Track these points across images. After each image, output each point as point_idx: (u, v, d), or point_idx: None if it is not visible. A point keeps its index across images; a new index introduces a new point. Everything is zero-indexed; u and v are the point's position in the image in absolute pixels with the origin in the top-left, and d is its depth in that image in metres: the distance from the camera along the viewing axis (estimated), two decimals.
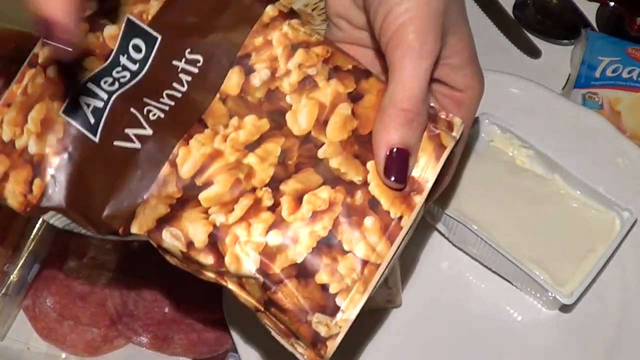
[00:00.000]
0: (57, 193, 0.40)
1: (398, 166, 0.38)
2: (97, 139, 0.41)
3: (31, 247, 0.60)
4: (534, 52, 0.73)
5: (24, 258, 0.60)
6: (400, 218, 0.39)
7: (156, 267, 0.61)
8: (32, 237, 0.60)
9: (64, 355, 0.60)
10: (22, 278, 0.60)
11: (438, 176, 0.40)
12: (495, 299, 0.59)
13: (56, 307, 0.60)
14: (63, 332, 0.60)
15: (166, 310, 0.60)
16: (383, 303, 0.57)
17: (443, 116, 0.40)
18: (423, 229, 0.61)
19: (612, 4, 0.75)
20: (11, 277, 0.59)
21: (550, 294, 0.55)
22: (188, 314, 0.60)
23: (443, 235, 0.60)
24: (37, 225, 0.60)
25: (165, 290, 0.61)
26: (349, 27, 0.45)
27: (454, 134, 0.40)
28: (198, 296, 0.60)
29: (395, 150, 0.38)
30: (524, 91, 0.64)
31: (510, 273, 0.58)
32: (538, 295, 0.57)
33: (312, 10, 0.71)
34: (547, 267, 0.56)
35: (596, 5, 0.75)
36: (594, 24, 0.74)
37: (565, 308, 0.58)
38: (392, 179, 0.38)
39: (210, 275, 0.40)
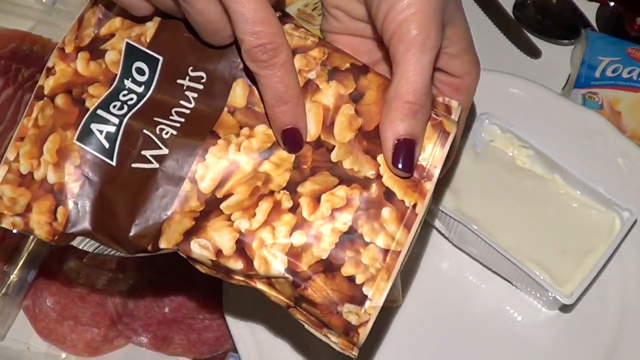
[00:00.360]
0: (81, 218, 0.42)
1: (405, 155, 0.40)
2: (114, 163, 0.42)
3: (31, 247, 0.60)
4: (534, 52, 0.73)
5: (24, 258, 0.60)
6: (415, 205, 0.41)
7: (156, 267, 0.61)
8: (32, 237, 0.60)
9: (64, 355, 0.60)
10: (22, 278, 0.60)
11: None
12: (495, 299, 0.59)
13: (56, 307, 0.60)
14: (63, 332, 0.60)
15: (166, 310, 0.60)
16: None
17: (440, 100, 0.42)
18: (423, 228, 0.61)
19: (612, 4, 0.75)
20: (11, 277, 0.59)
21: (550, 294, 0.55)
22: (188, 314, 0.60)
23: (443, 235, 0.60)
24: None
25: (165, 290, 0.61)
26: (346, 18, 0.46)
27: (452, 117, 0.42)
28: (198, 296, 0.60)
29: (402, 140, 0.40)
30: (524, 91, 0.64)
31: (510, 273, 0.58)
32: (538, 295, 0.57)
33: (312, 10, 0.71)
34: (547, 267, 0.56)
35: (596, 5, 0.75)
36: (594, 24, 0.74)
37: (565, 308, 0.58)
38: (400, 167, 0.40)
39: (240, 278, 0.42)
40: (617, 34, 0.72)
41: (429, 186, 0.41)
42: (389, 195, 0.41)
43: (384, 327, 0.58)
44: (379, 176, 0.41)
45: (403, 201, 0.41)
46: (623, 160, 0.62)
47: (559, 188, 0.60)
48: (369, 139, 0.42)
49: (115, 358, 0.60)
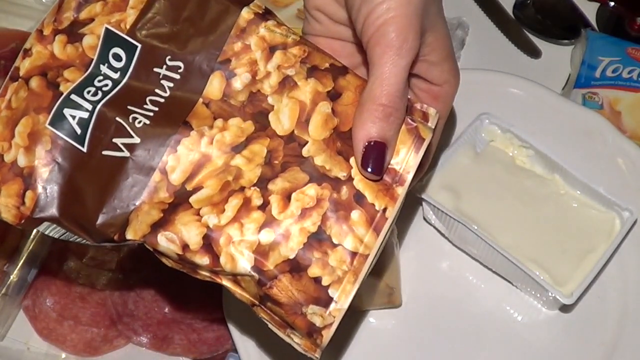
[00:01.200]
0: (49, 203, 0.41)
1: (375, 158, 0.40)
2: (85, 149, 0.41)
3: (31, 247, 0.60)
4: (534, 52, 0.73)
5: (24, 258, 0.60)
6: (385, 209, 0.40)
7: (156, 267, 0.61)
8: (32, 237, 0.60)
9: (64, 355, 0.60)
10: (22, 278, 0.60)
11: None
12: (495, 299, 0.59)
13: (56, 307, 0.60)
14: (63, 332, 0.60)
15: (166, 310, 0.60)
16: (383, 303, 0.57)
17: (418, 107, 0.42)
18: (423, 228, 0.61)
19: (612, 4, 0.75)
20: (11, 277, 0.59)
21: (550, 294, 0.55)
22: (188, 314, 0.60)
23: (443, 235, 0.60)
24: None
25: (165, 290, 0.61)
26: (327, 20, 0.46)
27: (429, 124, 0.42)
28: (198, 296, 0.60)
29: (372, 143, 0.40)
30: (524, 91, 0.64)
31: (510, 273, 0.58)
32: (538, 295, 0.57)
33: None
34: (547, 267, 0.56)
35: (596, 5, 0.75)
36: (594, 24, 0.74)
37: (565, 308, 0.58)
38: (369, 170, 0.40)
39: (205, 274, 0.42)
40: (617, 34, 0.72)
41: (401, 191, 0.41)
42: (359, 197, 0.40)
43: (384, 327, 0.58)
44: (350, 178, 0.41)
45: (373, 204, 0.40)
46: (623, 160, 0.62)
47: (559, 188, 0.60)
48: (343, 140, 0.41)
49: (115, 358, 0.60)
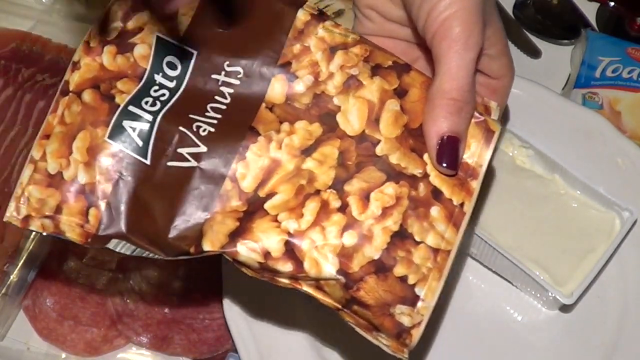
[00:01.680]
0: (115, 220, 0.40)
1: (449, 153, 0.40)
2: (148, 161, 0.40)
3: (31, 247, 0.60)
4: (534, 52, 0.73)
5: (24, 258, 0.60)
6: (462, 204, 0.40)
7: (156, 267, 0.61)
8: (32, 237, 0.60)
9: (64, 355, 0.60)
10: (22, 278, 0.60)
11: None
12: (495, 299, 0.59)
13: (56, 307, 0.60)
14: (63, 332, 0.60)
15: (166, 310, 0.60)
16: None
17: (479, 100, 0.42)
18: None
19: (612, 4, 0.75)
20: (11, 277, 0.59)
21: (550, 294, 0.55)
22: (188, 314, 0.60)
23: None
24: None
25: (165, 290, 0.61)
26: (380, 19, 0.46)
27: (492, 117, 0.42)
28: (198, 296, 0.60)
29: (445, 138, 0.40)
30: (524, 91, 0.64)
31: (510, 273, 0.58)
32: (538, 295, 0.57)
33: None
34: (547, 267, 0.56)
35: (596, 5, 0.75)
36: (594, 24, 0.74)
37: (565, 308, 0.58)
38: (444, 165, 0.40)
39: (286, 281, 0.41)
40: (617, 34, 0.72)
41: (475, 185, 0.41)
42: (436, 194, 0.40)
43: None
44: (426, 175, 0.41)
45: (451, 200, 0.40)
46: (623, 160, 0.62)
47: (559, 188, 0.60)
48: (414, 137, 0.41)
49: (115, 358, 0.60)
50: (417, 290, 0.39)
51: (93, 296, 0.61)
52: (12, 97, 0.66)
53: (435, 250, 0.40)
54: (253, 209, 0.40)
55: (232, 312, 0.57)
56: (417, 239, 0.40)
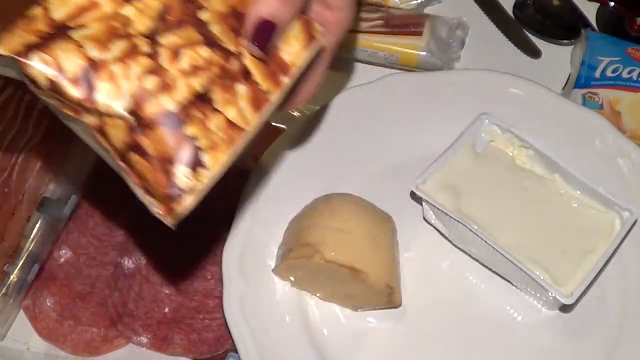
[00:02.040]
0: None
1: (262, 35, 0.41)
2: None
3: (31, 247, 0.60)
4: (534, 52, 0.73)
5: (24, 258, 0.60)
6: (268, 92, 0.41)
7: (156, 268, 0.61)
8: (32, 237, 0.60)
9: (64, 355, 0.60)
10: (22, 278, 0.60)
11: (303, 77, 0.44)
12: (495, 299, 0.59)
13: (56, 307, 0.60)
14: (63, 332, 0.60)
15: (166, 310, 0.60)
16: (383, 303, 0.57)
17: (309, 19, 0.43)
18: (423, 228, 0.61)
19: (612, 4, 0.75)
20: (11, 277, 0.59)
21: (550, 294, 0.55)
22: (188, 314, 0.60)
23: (443, 235, 0.60)
24: (37, 225, 0.60)
25: (165, 290, 0.61)
26: None
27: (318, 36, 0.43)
28: (198, 296, 0.60)
29: (263, 20, 0.41)
30: (524, 91, 0.64)
31: (510, 273, 0.58)
32: (538, 295, 0.57)
33: None
34: (547, 267, 0.56)
35: (596, 5, 0.75)
36: (594, 24, 0.74)
37: (565, 308, 0.58)
38: (255, 43, 0.41)
39: (68, 112, 0.38)
40: (617, 34, 0.72)
41: (287, 80, 0.41)
42: (246, 74, 0.40)
43: (384, 327, 0.58)
44: (241, 54, 0.41)
45: (259, 84, 0.41)
46: (623, 160, 0.62)
47: (559, 188, 0.59)
48: (239, 21, 0.41)
49: (115, 358, 0.60)
50: (202, 155, 0.38)
51: (93, 296, 0.61)
52: (12, 97, 0.66)
53: (232, 125, 0.39)
54: (59, 33, 0.38)
55: (232, 312, 0.57)
56: (218, 107, 0.39)
